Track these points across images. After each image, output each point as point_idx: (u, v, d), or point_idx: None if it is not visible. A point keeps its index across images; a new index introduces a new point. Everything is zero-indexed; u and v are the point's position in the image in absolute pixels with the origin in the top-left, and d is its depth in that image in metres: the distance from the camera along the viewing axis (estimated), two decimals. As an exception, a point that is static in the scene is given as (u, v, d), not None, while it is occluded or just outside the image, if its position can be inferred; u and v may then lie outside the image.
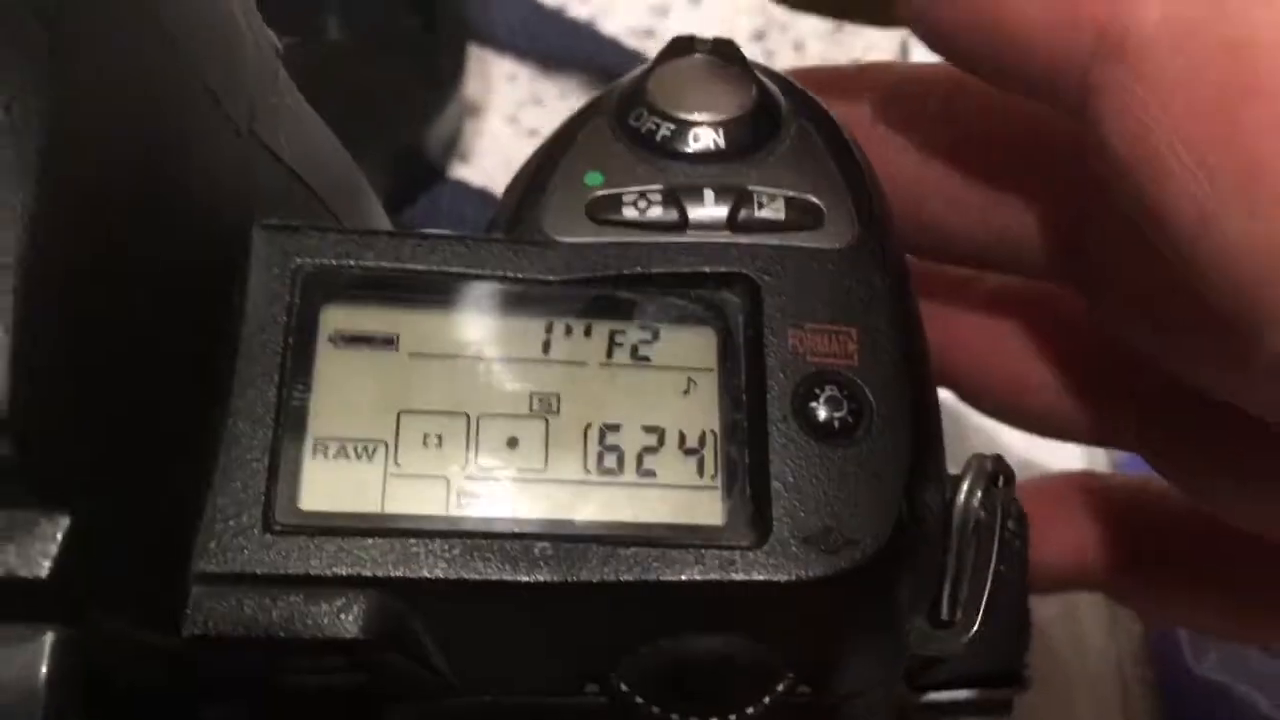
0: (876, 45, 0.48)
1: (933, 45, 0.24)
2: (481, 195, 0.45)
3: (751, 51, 0.26)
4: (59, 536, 0.17)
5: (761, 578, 0.20)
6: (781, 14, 0.48)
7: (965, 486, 0.22)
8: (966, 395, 0.30)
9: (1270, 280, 0.18)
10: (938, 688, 0.25)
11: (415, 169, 0.44)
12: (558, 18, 0.47)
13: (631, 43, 0.47)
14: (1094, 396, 0.29)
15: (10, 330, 0.17)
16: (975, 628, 0.22)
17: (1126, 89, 0.20)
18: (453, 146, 0.45)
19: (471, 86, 0.45)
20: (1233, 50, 0.19)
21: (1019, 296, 0.30)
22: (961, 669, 0.24)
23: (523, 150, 0.45)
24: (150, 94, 0.20)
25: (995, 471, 0.23)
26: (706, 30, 0.48)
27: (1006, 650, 0.24)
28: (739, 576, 0.20)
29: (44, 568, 0.17)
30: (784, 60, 0.48)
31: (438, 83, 0.44)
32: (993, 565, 0.22)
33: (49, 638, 0.17)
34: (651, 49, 0.47)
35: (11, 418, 0.17)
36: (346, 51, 0.44)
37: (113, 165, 0.19)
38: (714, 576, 0.20)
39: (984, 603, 0.22)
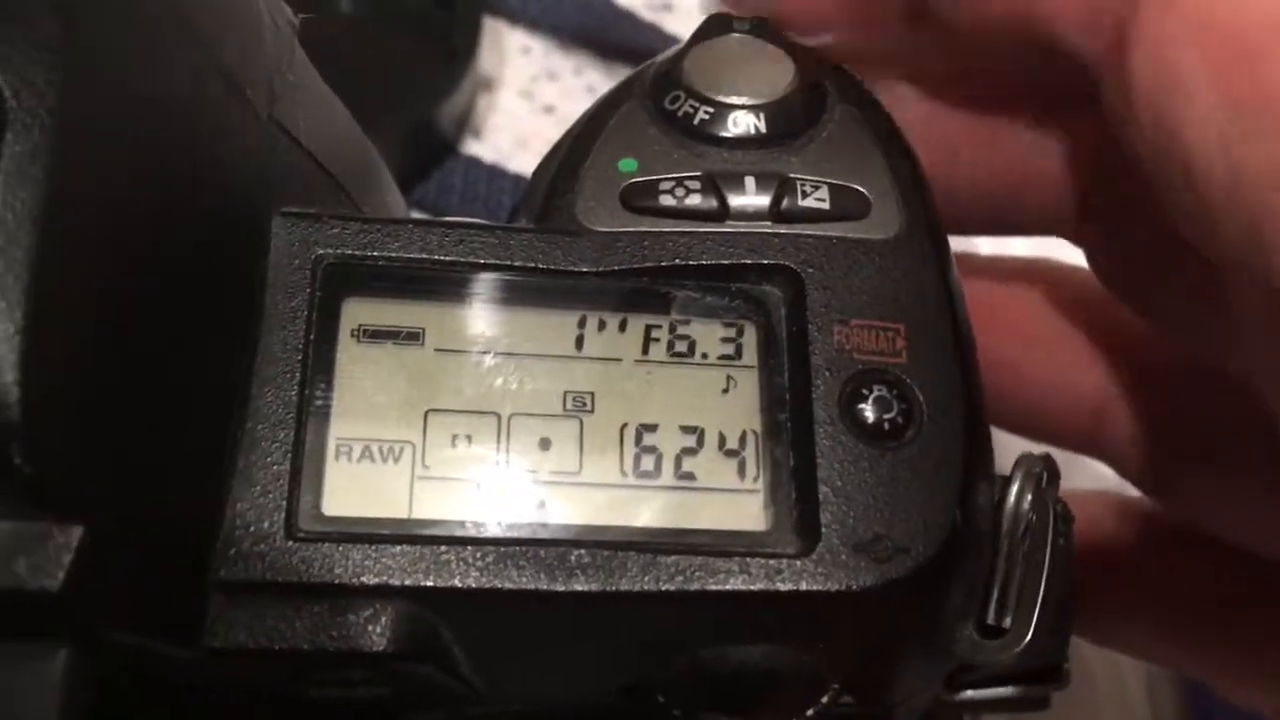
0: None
1: (961, 24, 0.24)
2: (494, 172, 0.44)
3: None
4: (72, 548, 0.16)
5: (809, 588, 0.19)
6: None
7: (1015, 489, 0.22)
8: None
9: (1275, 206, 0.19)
10: (976, 685, 0.24)
11: (427, 145, 0.43)
12: (572, -12, 0.46)
13: (648, 16, 0.46)
14: (1052, 391, 0.29)
15: (22, 332, 0.16)
16: (1028, 638, 0.21)
17: (1157, 24, 0.21)
18: (465, 122, 0.44)
19: (484, 59, 0.44)
20: None
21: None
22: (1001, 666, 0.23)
23: (537, 126, 0.45)
24: (167, 80, 0.19)
25: (1043, 471, 0.22)
26: (725, 4, 0.47)
27: (1049, 647, 0.23)
28: (786, 587, 0.19)
29: (56, 580, 0.16)
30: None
31: (451, 57, 0.42)
32: (1045, 572, 0.21)
33: (62, 654, 0.17)
34: (668, 23, 0.46)
35: (23, 425, 0.16)
36: (358, 25, 0.42)
37: (128, 157, 0.18)
38: (759, 586, 0.19)
39: (1037, 612, 0.21)
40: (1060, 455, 0.36)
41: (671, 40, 0.45)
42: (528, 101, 0.45)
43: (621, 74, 0.45)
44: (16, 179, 0.16)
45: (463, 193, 0.44)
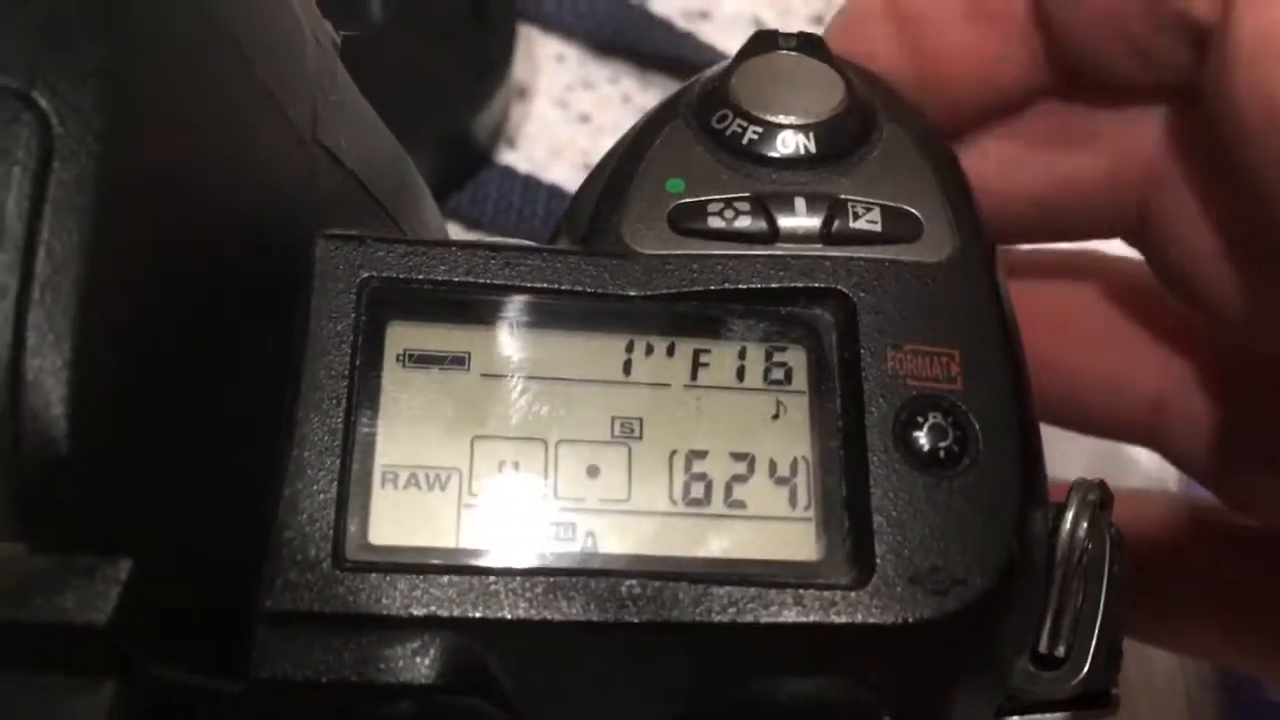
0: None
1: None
2: (529, 181, 0.44)
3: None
4: (120, 581, 0.16)
5: (865, 621, 0.19)
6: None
7: (1070, 516, 0.21)
8: None
9: None
10: (1022, 711, 0.24)
11: (462, 155, 0.43)
12: (607, -5, 0.46)
13: (683, 25, 0.46)
14: (1109, 386, 0.28)
15: (70, 365, 0.15)
16: (1085, 670, 0.21)
17: (1262, 18, 0.20)
18: (500, 131, 0.44)
19: (519, 68, 0.44)
20: None
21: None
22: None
23: (572, 136, 0.45)
24: (213, 102, 0.19)
25: (1099, 497, 0.22)
26: (762, 14, 0.47)
27: (1099, 674, 0.23)
28: (841, 619, 0.19)
29: (104, 614, 0.16)
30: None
31: (487, 67, 0.42)
32: (1103, 603, 0.21)
33: (108, 688, 0.16)
34: (704, 31, 0.46)
35: (71, 458, 0.15)
36: (392, 35, 0.42)
37: (173, 181, 0.18)
38: (814, 619, 0.19)
39: (1094, 643, 0.21)
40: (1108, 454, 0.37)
41: (707, 49, 0.45)
42: (563, 110, 0.45)
43: (657, 82, 0.45)
44: (65, 208, 0.16)
45: (497, 202, 0.44)
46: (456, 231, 0.43)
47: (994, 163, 0.24)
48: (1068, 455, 0.38)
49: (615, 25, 0.45)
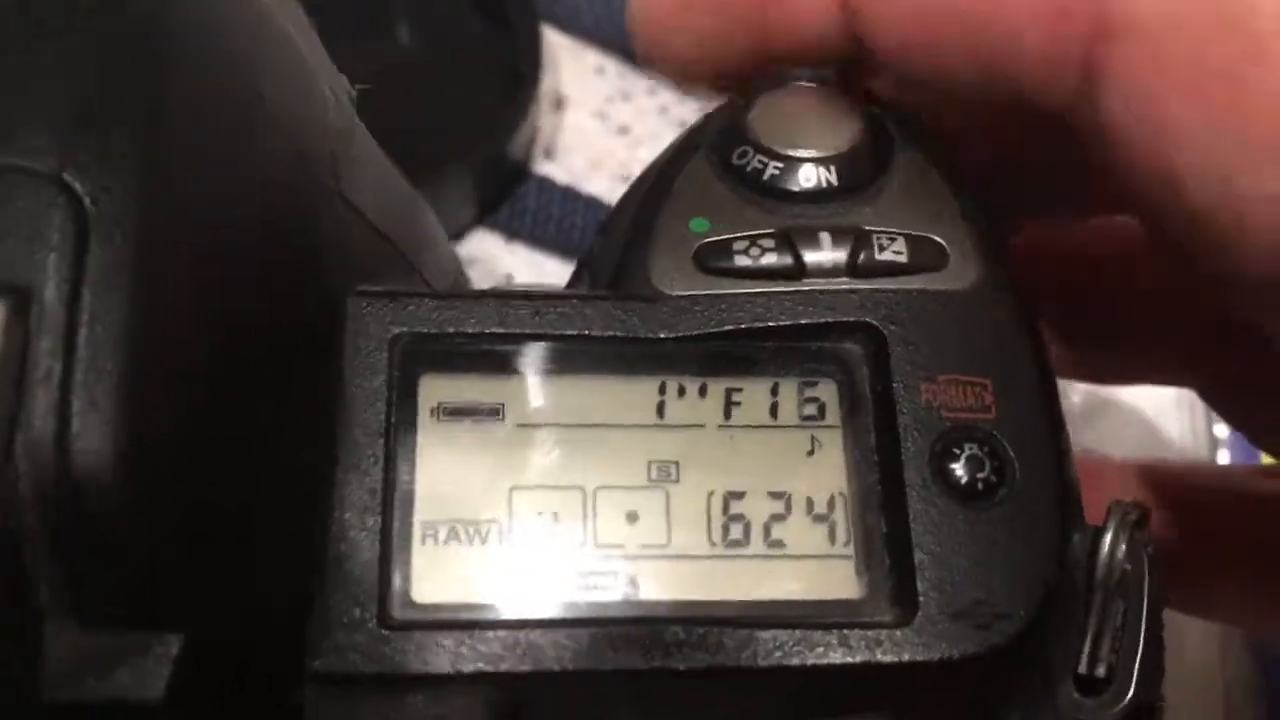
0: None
1: (905, 60, 0.22)
2: (568, 193, 0.44)
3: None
4: (170, 658, 0.16)
5: (911, 659, 0.19)
6: None
7: (1108, 539, 0.21)
8: None
9: None
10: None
11: (501, 172, 0.43)
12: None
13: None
14: (1144, 334, 0.29)
15: (115, 444, 0.16)
16: (1131, 694, 0.21)
17: (1130, 66, 0.20)
18: (536, 142, 0.44)
19: (559, 78, 0.44)
20: (1231, 23, 0.19)
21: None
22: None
23: (611, 148, 0.45)
24: (245, 166, 0.19)
25: (1137, 517, 0.22)
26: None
27: (1143, 693, 0.23)
28: (887, 658, 0.19)
29: (158, 690, 0.16)
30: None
31: (518, 82, 0.42)
32: (1144, 625, 0.21)
33: (163, 762, 0.17)
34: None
35: (122, 538, 0.16)
36: (420, 57, 0.42)
37: (208, 251, 0.18)
38: (860, 659, 0.19)
39: (1138, 667, 0.21)
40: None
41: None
42: (601, 122, 0.45)
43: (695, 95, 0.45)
44: (103, 289, 0.17)
45: (535, 214, 0.44)
46: (496, 243, 0.43)
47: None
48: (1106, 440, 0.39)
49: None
